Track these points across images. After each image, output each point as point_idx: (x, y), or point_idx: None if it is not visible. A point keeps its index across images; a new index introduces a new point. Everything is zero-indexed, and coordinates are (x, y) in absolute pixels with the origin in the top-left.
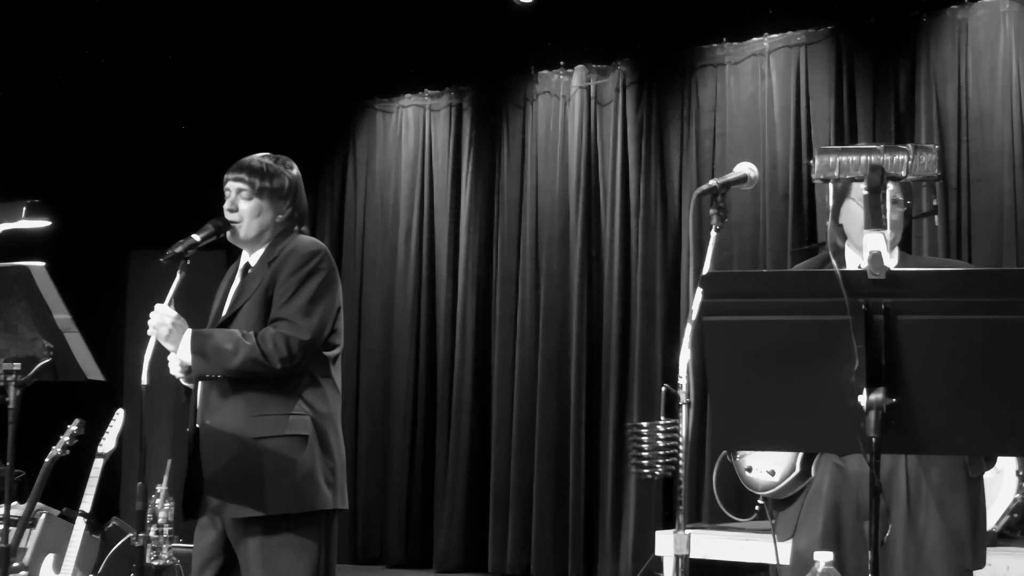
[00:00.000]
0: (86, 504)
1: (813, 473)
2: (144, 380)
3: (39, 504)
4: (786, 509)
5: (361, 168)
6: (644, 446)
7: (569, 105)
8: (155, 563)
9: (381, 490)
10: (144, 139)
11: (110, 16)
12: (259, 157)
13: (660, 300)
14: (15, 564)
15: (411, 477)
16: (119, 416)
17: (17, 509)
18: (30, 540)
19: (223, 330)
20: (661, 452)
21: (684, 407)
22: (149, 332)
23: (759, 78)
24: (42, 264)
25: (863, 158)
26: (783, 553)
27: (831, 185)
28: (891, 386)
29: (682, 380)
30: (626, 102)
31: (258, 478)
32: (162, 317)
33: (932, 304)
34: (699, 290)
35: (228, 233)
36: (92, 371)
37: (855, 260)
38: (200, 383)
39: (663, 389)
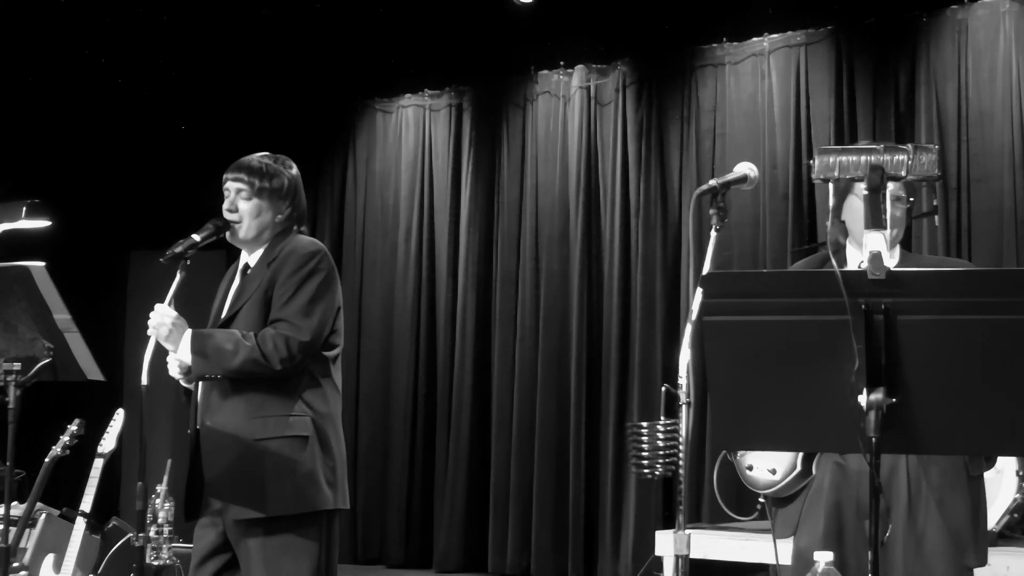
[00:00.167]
0: (86, 504)
1: (814, 471)
2: (144, 380)
3: (39, 504)
4: (787, 507)
5: (361, 168)
6: (644, 446)
7: (569, 105)
8: (155, 563)
9: (381, 490)
10: (144, 139)
11: (110, 16)
12: (258, 157)
13: (660, 300)
14: (15, 564)
15: (411, 477)
16: (119, 416)
17: (17, 509)
18: (30, 540)
19: (223, 330)
20: (661, 452)
21: (684, 407)
22: (149, 332)
23: (759, 78)
24: (42, 264)
25: (863, 158)
26: (783, 552)
27: (832, 183)
28: (891, 386)
29: (682, 380)
30: (626, 102)
31: (259, 479)
32: (162, 317)
33: (932, 304)
34: (699, 290)
35: (228, 233)
36: (92, 371)
37: (856, 257)
38: (200, 384)
39: (663, 389)
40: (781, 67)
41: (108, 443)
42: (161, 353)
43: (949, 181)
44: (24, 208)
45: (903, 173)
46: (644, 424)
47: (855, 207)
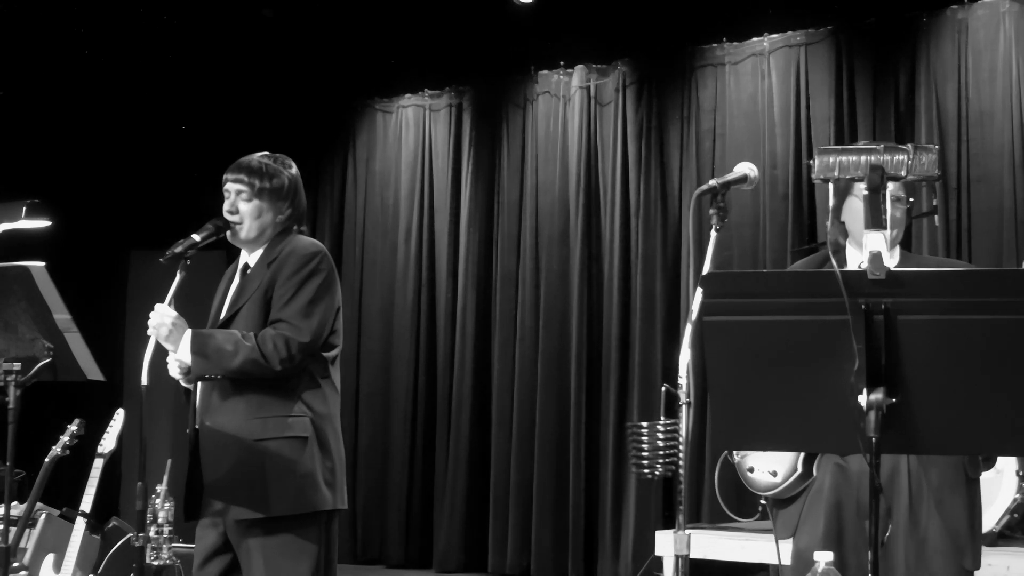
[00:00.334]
0: (86, 504)
1: (815, 473)
2: (144, 380)
3: (39, 504)
4: (787, 508)
5: (361, 168)
6: (644, 446)
7: (569, 105)
8: (155, 563)
9: (381, 490)
10: (144, 139)
11: (110, 16)
12: (258, 157)
13: (660, 300)
14: (15, 564)
15: (411, 477)
16: (119, 416)
17: (17, 509)
18: (30, 540)
19: (223, 331)
20: (661, 452)
21: (684, 407)
22: (149, 332)
23: (759, 78)
24: (42, 264)
25: (863, 158)
26: (784, 552)
27: (832, 183)
28: (891, 386)
29: (682, 380)
30: (626, 102)
31: (259, 480)
32: (162, 317)
33: (932, 304)
34: (699, 290)
35: (228, 233)
36: (92, 371)
37: (856, 258)
38: (200, 384)
39: (663, 389)
40: (781, 67)
41: (108, 443)
42: (161, 353)
43: (949, 181)
44: (24, 208)
45: (903, 173)
46: (644, 424)
47: (855, 208)
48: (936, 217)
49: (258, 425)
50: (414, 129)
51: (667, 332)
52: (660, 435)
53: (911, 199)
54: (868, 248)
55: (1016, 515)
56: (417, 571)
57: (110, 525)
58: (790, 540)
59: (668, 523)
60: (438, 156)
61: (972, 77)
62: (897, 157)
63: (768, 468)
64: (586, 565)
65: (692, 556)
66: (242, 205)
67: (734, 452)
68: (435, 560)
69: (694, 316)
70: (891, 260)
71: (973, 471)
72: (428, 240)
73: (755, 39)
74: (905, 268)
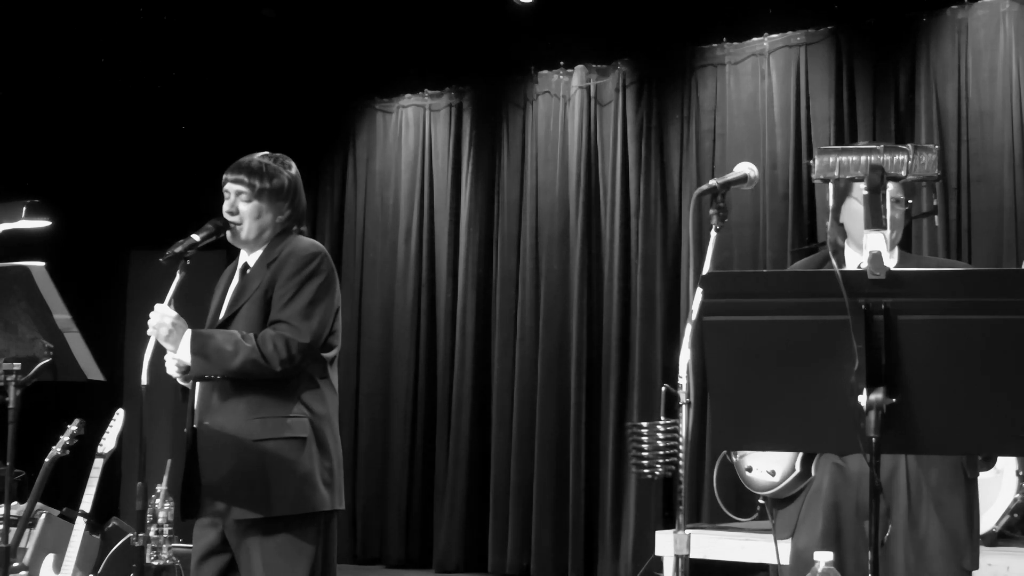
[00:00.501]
0: (86, 504)
1: (813, 473)
2: (144, 380)
3: (39, 504)
4: (786, 508)
5: (361, 168)
6: (644, 446)
7: (569, 105)
8: (155, 563)
9: (381, 490)
10: (144, 139)
11: (111, 17)
12: (258, 157)
13: (660, 300)
14: (15, 564)
15: (411, 477)
16: (119, 416)
17: (17, 509)
18: (30, 540)
19: (223, 331)
20: (661, 452)
21: (684, 407)
22: (149, 332)
23: (759, 78)
24: (42, 264)
25: (863, 158)
26: (783, 552)
27: (832, 184)
28: (891, 386)
29: (682, 380)
30: (626, 102)
31: (257, 480)
32: (162, 317)
33: (932, 304)
34: (699, 290)
35: (228, 233)
36: (92, 371)
37: (855, 258)
38: (198, 384)
39: (663, 389)
40: (781, 67)
41: (108, 443)
42: (161, 353)
43: (949, 181)
44: (24, 208)
45: (903, 173)
46: (644, 424)
47: (853, 209)
48: (936, 217)
49: (257, 425)
50: (414, 129)
51: (667, 332)
52: (660, 435)
53: (910, 200)
54: (868, 248)
55: (1016, 515)
56: (417, 571)
57: (110, 525)
58: (789, 540)
59: (668, 523)
60: (438, 156)
61: (972, 77)
62: (897, 157)
63: (766, 467)
64: (586, 565)
65: (692, 556)
66: (242, 206)
67: (732, 451)
68: (435, 560)
69: (694, 316)
70: (890, 261)
71: (971, 471)
72: (428, 240)
73: (755, 39)
74: (904, 268)
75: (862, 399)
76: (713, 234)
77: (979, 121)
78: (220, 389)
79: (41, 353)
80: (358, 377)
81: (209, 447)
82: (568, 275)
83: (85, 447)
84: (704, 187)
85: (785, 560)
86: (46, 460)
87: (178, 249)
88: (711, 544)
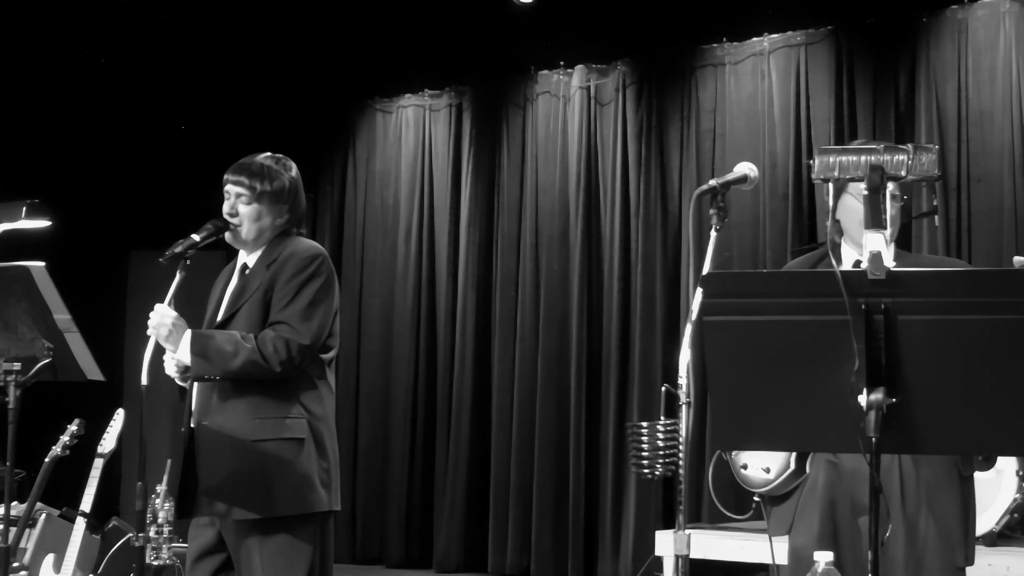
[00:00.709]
0: (86, 504)
1: (808, 470)
2: (144, 380)
3: (39, 504)
4: (781, 506)
5: (361, 168)
6: (644, 446)
7: (569, 105)
8: (155, 563)
9: (381, 490)
10: (144, 139)
11: (110, 16)
12: (260, 159)
13: (660, 300)
14: (15, 564)
15: (411, 477)
16: (119, 416)
17: (17, 509)
18: (30, 540)
19: (223, 332)
20: (661, 452)
21: (684, 407)
22: (149, 332)
23: (759, 78)
24: (42, 264)
25: (863, 158)
26: (780, 550)
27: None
28: (891, 386)
29: (682, 380)
30: (626, 102)
31: (256, 481)
32: (162, 317)
33: (932, 304)
34: (699, 290)
35: (227, 234)
36: (92, 371)
37: (851, 256)
38: (197, 384)
39: (663, 389)
40: (781, 67)
41: (108, 443)
42: (161, 353)
43: (949, 181)
44: (24, 208)
45: (903, 173)
46: (644, 424)
47: (849, 205)
48: (936, 217)
49: (256, 426)
50: (414, 129)
51: (667, 332)
52: (660, 435)
53: (905, 196)
54: (868, 248)
55: (1016, 515)
56: (417, 571)
57: (110, 525)
58: (784, 537)
59: (668, 523)
60: (438, 156)
61: (972, 77)
62: (897, 157)
63: (761, 465)
64: (586, 565)
65: (692, 556)
66: (241, 208)
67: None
68: (435, 560)
69: (694, 316)
70: (888, 260)
71: (966, 469)
72: (428, 240)
73: (755, 39)
74: (902, 268)
75: (862, 399)
76: (713, 234)
77: (979, 121)
78: (220, 389)
79: (41, 353)
80: (358, 377)
81: (208, 447)
82: (568, 275)
83: (85, 447)
84: (704, 187)
85: (780, 557)
86: (46, 460)
87: (178, 249)
88: (711, 544)
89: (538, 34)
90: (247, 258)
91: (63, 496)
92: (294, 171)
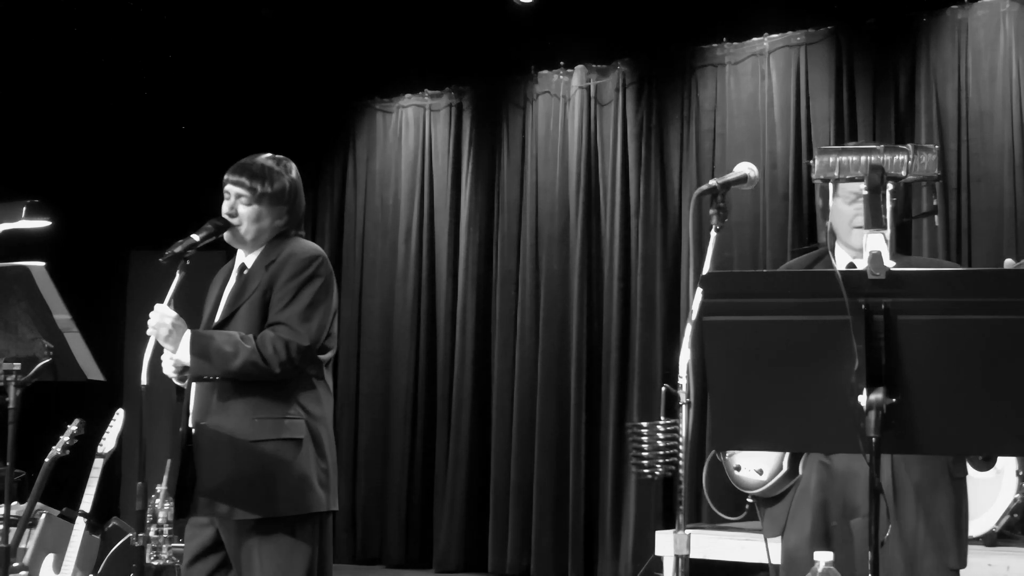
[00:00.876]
0: (86, 504)
1: (800, 472)
2: (144, 380)
3: (39, 504)
4: (774, 507)
5: (361, 168)
6: (644, 446)
7: (569, 105)
8: (155, 563)
9: (381, 490)
10: (144, 140)
11: (110, 16)
12: (260, 160)
13: (660, 300)
14: (15, 564)
15: (411, 477)
16: (119, 416)
17: (17, 509)
18: (30, 540)
19: (223, 332)
20: (661, 452)
21: (684, 407)
22: (149, 332)
23: (759, 78)
24: (42, 264)
25: (863, 158)
26: (773, 550)
27: (819, 185)
28: (891, 386)
29: (682, 380)
30: (626, 102)
31: (255, 481)
32: (162, 318)
33: (932, 304)
34: (699, 290)
35: (227, 233)
36: (92, 371)
37: (844, 258)
38: (195, 384)
39: (663, 389)
40: (781, 67)
41: (108, 443)
42: (161, 353)
43: (949, 181)
44: (24, 208)
45: (903, 173)
46: (644, 424)
47: (838, 209)
48: (936, 217)
49: (256, 426)
50: (414, 129)
51: (667, 332)
52: (660, 435)
53: (895, 198)
54: (868, 248)
55: (1016, 515)
56: (417, 571)
57: (110, 525)
58: (778, 538)
59: (668, 523)
60: (438, 156)
61: (972, 77)
62: (897, 157)
63: (754, 466)
64: (586, 565)
65: (692, 556)
66: (241, 208)
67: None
68: (435, 560)
69: (694, 316)
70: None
71: (958, 471)
72: (428, 240)
73: (755, 39)
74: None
75: (862, 399)
76: (713, 234)
77: (979, 121)
78: (220, 390)
79: (41, 353)
80: (358, 377)
81: (207, 447)
82: (568, 275)
83: (85, 447)
84: (704, 187)
85: (775, 558)
86: (46, 460)
87: (178, 249)
88: (711, 544)
89: (538, 34)
90: (245, 258)
91: (63, 496)
92: (294, 172)
